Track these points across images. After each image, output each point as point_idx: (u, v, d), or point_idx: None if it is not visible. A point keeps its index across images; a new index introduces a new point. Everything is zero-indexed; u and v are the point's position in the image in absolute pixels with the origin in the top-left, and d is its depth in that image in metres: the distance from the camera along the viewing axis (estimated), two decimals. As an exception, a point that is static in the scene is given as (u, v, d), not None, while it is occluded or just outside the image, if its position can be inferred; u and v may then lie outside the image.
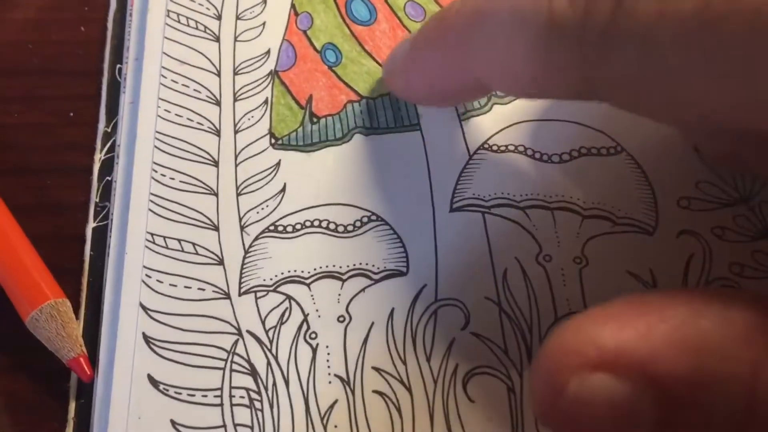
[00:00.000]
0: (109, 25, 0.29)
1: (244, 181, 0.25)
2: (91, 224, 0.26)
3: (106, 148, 0.27)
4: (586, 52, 0.17)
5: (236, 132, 0.26)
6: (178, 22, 0.28)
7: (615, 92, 0.18)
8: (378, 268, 0.24)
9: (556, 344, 0.16)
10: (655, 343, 0.15)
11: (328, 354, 0.23)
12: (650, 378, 0.15)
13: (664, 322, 0.16)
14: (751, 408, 0.15)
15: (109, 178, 0.26)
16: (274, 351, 0.23)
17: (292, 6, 0.28)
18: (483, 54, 0.20)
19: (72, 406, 0.23)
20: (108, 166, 0.27)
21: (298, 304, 0.23)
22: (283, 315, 0.23)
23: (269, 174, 0.25)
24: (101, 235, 0.25)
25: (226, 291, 0.23)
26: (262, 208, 0.25)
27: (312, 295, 0.23)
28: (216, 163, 0.25)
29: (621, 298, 0.17)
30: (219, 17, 0.28)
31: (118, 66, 0.28)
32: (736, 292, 0.17)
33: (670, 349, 0.15)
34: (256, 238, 0.24)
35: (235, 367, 0.22)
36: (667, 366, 0.15)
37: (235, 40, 0.28)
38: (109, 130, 0.27)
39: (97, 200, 0.26)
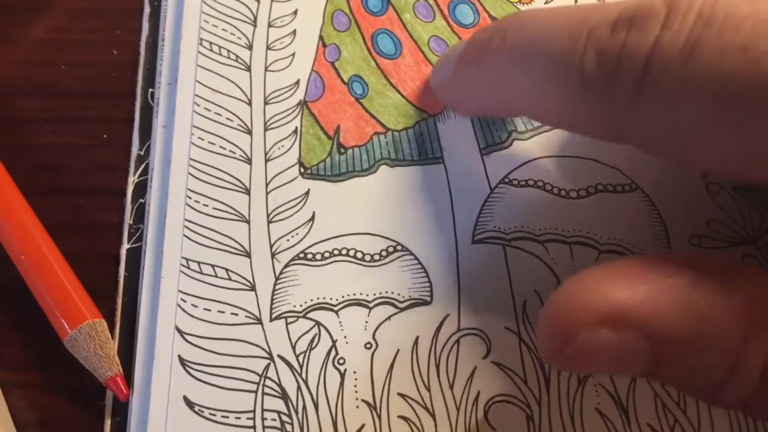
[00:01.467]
0: (142, 49, 0.30)
1: (275, 209, 0.26)
2: (125, 245, 0.27)
3: (139, 171, 0.28)
4: (614, 108, 0.19)
5: (267, 160, 0.27)
6: (211, 50, 0.29)
7: (640, 141, 0.19)
8: (403, 297, 0.25)
9: (571, 296, 0.18)
10: (659, 306, 0.18)
11: (356, 379, 0.24)
12: (650, 335, 0.18)
13: (669, 288, 0.18)
14: (730, 374, 0.18)
15: (143, 201, 0.27)
16: (304, 375, 0.24)
17: (321, 38, 0.29)
18: (520, 90, 0.22)
19: (107, 423, 0.24)
20: (141, 189, 0.27)
21: (327, 330, 0.24)
22: (312, 341, 0.24)
23: (299, 203, 0.26)
24: (135, 256, 0.26)
25: (258, 316, 0.24)
26: (292, 236, 0.26)
27: (340, 322, 0.24)
28: (248, 191, 0.26)
29: (629, 258, 0.19)
30: (250, 47, 0.29)
31: (151, 90, 0.29)
32: (739, 265, 0.19)
33: (672, 312, 0.18)
34: (287, 265, 0.25)
35: (266, 390, 0.23)
36: (667, 326, 0.18)
37: (266, 69, 0.29)
38: (142, 153, 0.28)
39: (131, 222, 0.27)
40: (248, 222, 0.26)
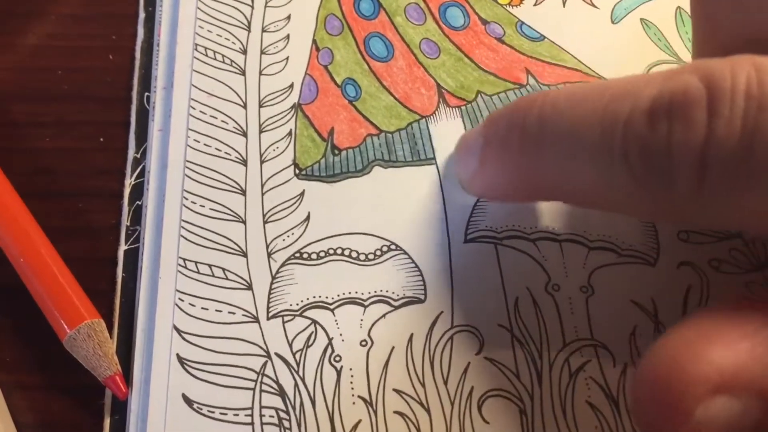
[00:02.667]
0: (137, 54, 0.31)
1: (271, 209, 0.27)
2: (123, 247, 0.27)
3: (135, 174, 0.28)
4: (673, 200, 0.18)
5: (262, 162, 0.27)
6: (206, 55, 0.29)
7: (705, 225, 0.19)
8: (397, 295, 0.25)
9: (673, 369, 0.17)
10: (764, 361, 0.17)
11: (352, 376, 0.24)
12: (763, 393, 0.17)
13: (766, 340, 0.17)
14: None
15: (139, 203, 0.27)
16: (301, 373, 0.24)
17: (314, 42, 0.30)
18: (555, 184, 0.21)
19: (107, 422, 0.24)
20: (138, 191, 0.28)
21: (323, 328, 0.25)
22: (309, 339, 0.25)
23: (294, 203, 0.27)
24: (132, 258, 0.27)
25: (255, 315, 0.25)
26: (288, 236, 0.26)
27: (336, 320, 0.25)
28: (243, 192, 0.27)
29: (708, 313, 0.18)
30: (244, 51, 0.29)
31: (146, 94, 0.30)
32: None
33: None
34: (283, 265, 0.26)
35: (264, 387, 0.24)
36: None
37: (260, 73, 0.29)
38: (138, 156, 0.28)
39: (128, 224, 0.27)
40: (244, 222, 0.26)
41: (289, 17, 0.30)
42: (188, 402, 0.24)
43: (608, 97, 0.18)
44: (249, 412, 0.24)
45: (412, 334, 0.25)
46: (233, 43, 0.30)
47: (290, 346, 0.24)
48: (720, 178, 0.17)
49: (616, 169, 0.18)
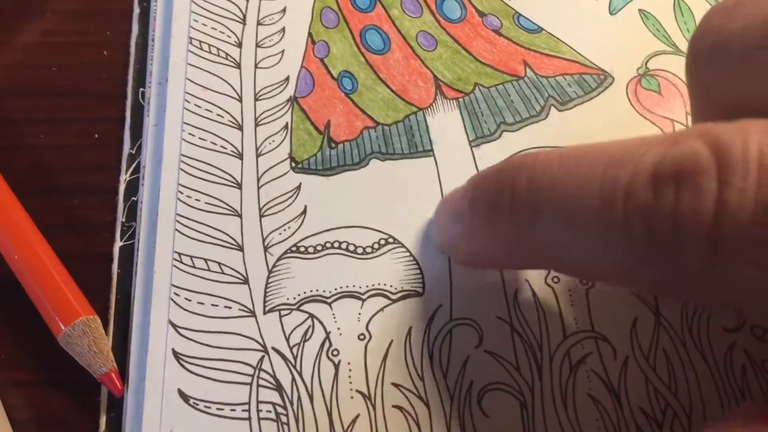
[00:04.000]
0: (132, 49, 0.30)
1: (267, 203, 0.26)
2: (118, 243, 0.27)
3: (131, 170, 0.28)
4: (680, 275, 0.16)
5: (258, 155, 0.27)
6: (201, 49, 0.29)
7: (716, 303, 0.19)
8: (396, 289, 0.25)
9: None
10: None
11: (350, 370, 0.24)
12: None
13: None
14: None
15: (135, 199, 0.27)
16: (298, 367, 0.24)
17: (310, 35, 0.30)
18: (547, 255, 0.20)
19: (102, 419, 0.24)
20: (133, 187, 0.28)
21: (321, 322, 0.24)
22: (306, 333, 0.24)
23: (291, 197, 0.26)
24: (128, 254, 0.26)
25: (252, 309, 0.25)
26: (285, 230, 0.26)
27: (333, 314, 0.25)
28: (239, 186, 0.27)
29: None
30: (239, 45, 0.29)
31: (141, 89, 0.29)
32: None
33: None
34: (279, 259, 0.25)
35: (261, 382, 0.24)
36: None
37: (256, 67, 0.29)
38: (133, 151, 0.28)
39: (124, 220, 0.27)
40: (240, 216, 0.26)
41: (284, 10, 0.30)
42: (184, 397, 0.23)
43: (606, 161, 0.17)
44: (246, 407, 0.23)
45: (410, 328, 0.24)
46: (228, 36, 0.29)
47: (287, 340, 0.24)
48: (732, 253, 0.15)
49: (616, 240, 0.17)
